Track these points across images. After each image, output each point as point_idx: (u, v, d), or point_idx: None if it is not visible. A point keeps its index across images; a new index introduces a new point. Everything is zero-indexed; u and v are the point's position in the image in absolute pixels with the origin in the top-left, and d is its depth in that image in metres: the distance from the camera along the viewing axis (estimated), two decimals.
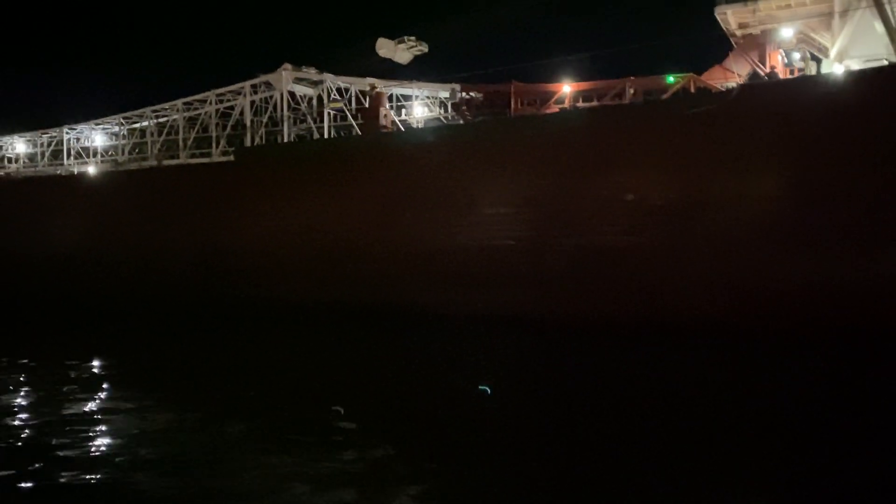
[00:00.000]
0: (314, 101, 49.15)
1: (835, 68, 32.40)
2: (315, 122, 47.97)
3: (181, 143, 52.77)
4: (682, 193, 30.18)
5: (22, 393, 25.40)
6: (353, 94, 47.59)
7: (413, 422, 20.89)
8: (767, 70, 34.39)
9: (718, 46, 40.76)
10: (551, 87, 39.50)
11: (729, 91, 31.46)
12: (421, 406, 22.48)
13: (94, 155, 59.89)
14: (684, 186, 30.17)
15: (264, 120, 49.60)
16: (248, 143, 49.50)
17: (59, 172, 58.75)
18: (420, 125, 44.47)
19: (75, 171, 57.87)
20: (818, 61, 36.08)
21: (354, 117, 46.31)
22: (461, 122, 41.68)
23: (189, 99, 52.81)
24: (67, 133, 60.14)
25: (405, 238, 36.85)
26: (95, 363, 30.72)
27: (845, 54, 32.68)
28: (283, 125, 48.55)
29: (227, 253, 41.97)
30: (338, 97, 47.43)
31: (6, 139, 63.92)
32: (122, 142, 57.62)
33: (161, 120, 55.18)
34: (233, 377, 27.06)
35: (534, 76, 42.75)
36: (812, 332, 26.04)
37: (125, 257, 46.23)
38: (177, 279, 43.39)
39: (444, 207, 36.04)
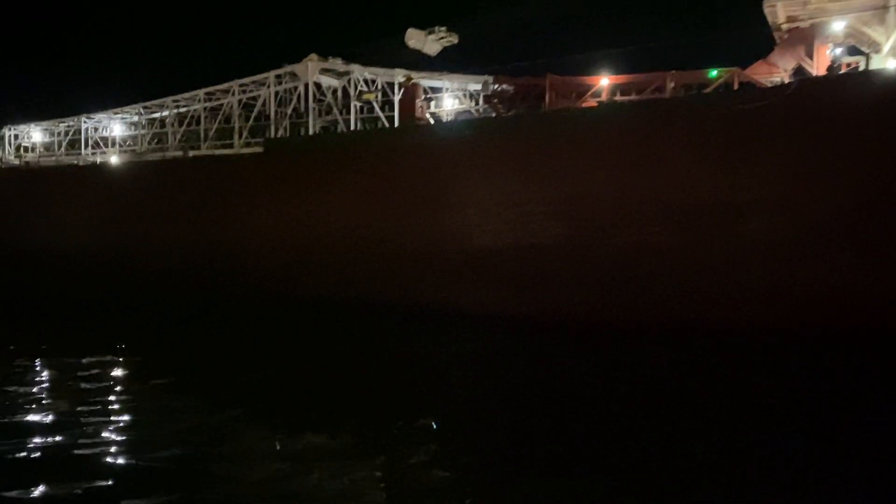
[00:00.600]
0: (339, 93, 48.27)
1: (889, 64, 31.33)
2: (341, 113, 47.04)
3: (202, 134, 51.90)
4: (736, 193, 29.11)
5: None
6: (380, 85, 46.63)
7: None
8: (815, 65, 33.34)
9: (754, 42, 39.88)
10: (589, 79, 38.40)
11: (786, 85, 30.33)
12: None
13: (113, 145, 59.09)
14: (740, 185, 29.11)
15: (288, 111, 48.70)
16: (271, 134, 48.64)
17: (76, 162, 57.97)
18: (450, 118, 43.46)
19: (97, 160, 57.02)
20: (866, 56, 35.01)
21: (382, 109, 45.43)
22: (493, 115, 40.64)
23: (211, 89, 51.87)
24: (85, 122, 59.32)
25: (445, 235, 35.87)
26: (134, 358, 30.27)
27: None
28: (308, 117, 47.63)
29: (257, 248, 41.11)
30: (365, 88, 46.46)
31: (22, 128, 63.20)
32: (142, 132, 56.81)
33: (182, 110, 54.32)
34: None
35: (567, 69, 41.79)
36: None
37: (151, 252, 45.43)
38: (209, 274, 42.54)
39: (484, 204, 35.09)
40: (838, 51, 35.43)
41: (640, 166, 32.18)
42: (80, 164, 57.05)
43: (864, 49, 35.40)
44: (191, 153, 50.88)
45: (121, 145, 59.08)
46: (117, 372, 27.87)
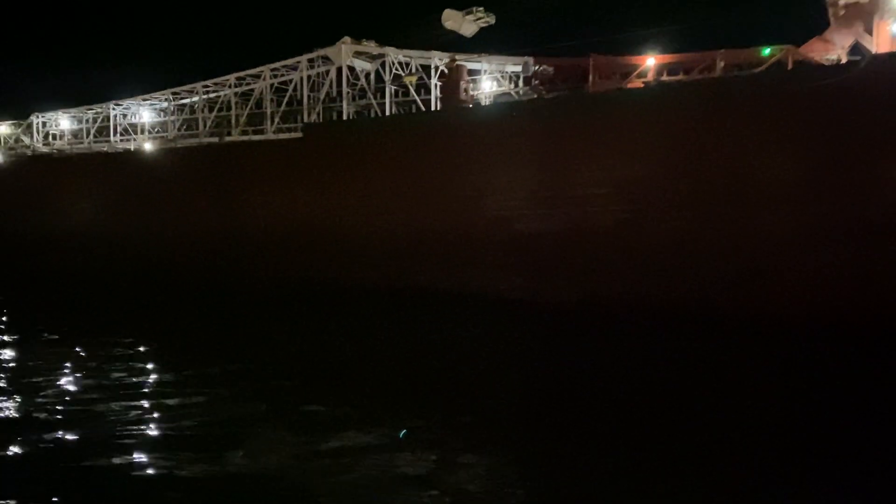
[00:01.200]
0: (372, 76, 47.47)
1: None
2: (375, 97, 46.27)
3: (233, 120, 51.32)
4: (803, 175, 28.02)
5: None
6: (414, 68, 45.80)
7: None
8: (875, 41, 32.11)
9: (798, 21, 38.46)
10: (634, 59, 37.37)
11: (855, 62, 29.24)
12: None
13: (142, 132, 58.64)
14: (808, 168, 28.00)
15: (321, 96, 47.98)
16: (303, 119, 47.96)
17: (105, 150, 57.64)
18: (489, 100, 42.58)
19: (130, 146, 56.66)
20: None
21: (418, 92, 44.68)
22: (535, 96, 39.74)
23: (242, 74, 51.21)
24: (113, 109, 58.85)
25: (492, 220, 35.17)
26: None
27: None
28: (342, 101, 46.89)
29: (302, 233, 40.67)
30: (400, 71, 45.61)
31: (50, 115, 62.87)
32: (171, 118, 56.28)
33: (211, 95, 53.68)
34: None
35: (607, 49, 40.61)
36: None
37: (189, 237, 45.17)
38: (252, 259, 42.25)
39: (533, 187, 34.33)
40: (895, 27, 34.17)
41: (705, 148, 31.09)
42: (110, 151, 56.71)
43: None
44: (226, 139, 50.40)
45: (150, 132, 58.64)
46: (175, 358, 28.09)
